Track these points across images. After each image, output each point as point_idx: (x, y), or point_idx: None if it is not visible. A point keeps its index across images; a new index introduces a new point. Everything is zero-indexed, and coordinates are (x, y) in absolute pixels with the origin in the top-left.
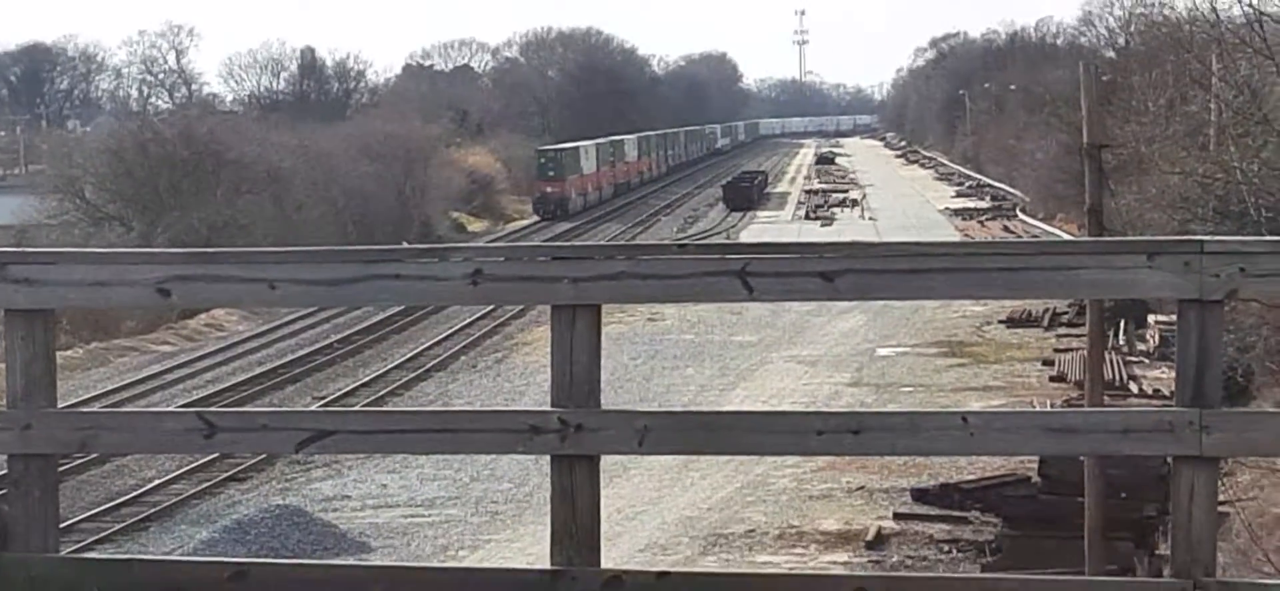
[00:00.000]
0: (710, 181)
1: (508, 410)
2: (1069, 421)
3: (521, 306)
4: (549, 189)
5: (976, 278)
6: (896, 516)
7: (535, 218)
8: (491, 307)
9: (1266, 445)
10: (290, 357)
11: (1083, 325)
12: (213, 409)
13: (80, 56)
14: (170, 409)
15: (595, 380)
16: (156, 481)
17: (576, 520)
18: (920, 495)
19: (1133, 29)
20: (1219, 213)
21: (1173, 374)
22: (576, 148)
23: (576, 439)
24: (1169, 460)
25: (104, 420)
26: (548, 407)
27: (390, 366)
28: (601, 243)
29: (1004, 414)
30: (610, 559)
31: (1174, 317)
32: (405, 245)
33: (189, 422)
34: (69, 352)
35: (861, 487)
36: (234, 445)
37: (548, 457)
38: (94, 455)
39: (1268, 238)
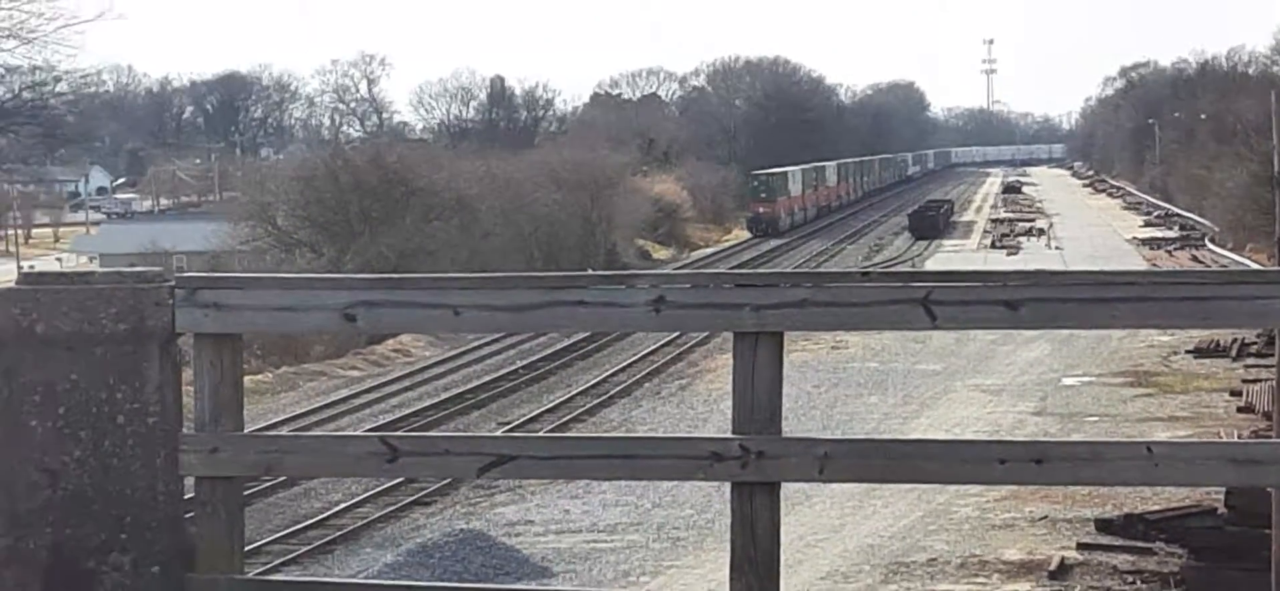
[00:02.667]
0: (900, 207)
1: (689, 437)
2: (1255, 453)
3: (705, 333)
4: (761, 209)
5: (1162, 306)
6: (1080, 546)
7: (733, 239)
8: (676, 334)
9: None
10: (475, 383)
11: (1271, 355)
12: (396, 433)
13: (274, 86)
14: (354, 433)
15: (777, 407)
16: (342, 504)
17: (756, 547)
18: (1105, 525)
19: None
20: None
21: None
22: (785, 172)
23: (757, 465)
24: None
25: (289, 444)
26: (729, 434)
27: (574, 392)
28: (784, 270)
29: (1189, 444)
30: (791, 586)
31: None
32: (589, 272)
33: (372, 447)
34: (259, 377)
35: (1045, 517)
36: (416, 469)
37: (728, 484)
38: (282, 478)
39: None
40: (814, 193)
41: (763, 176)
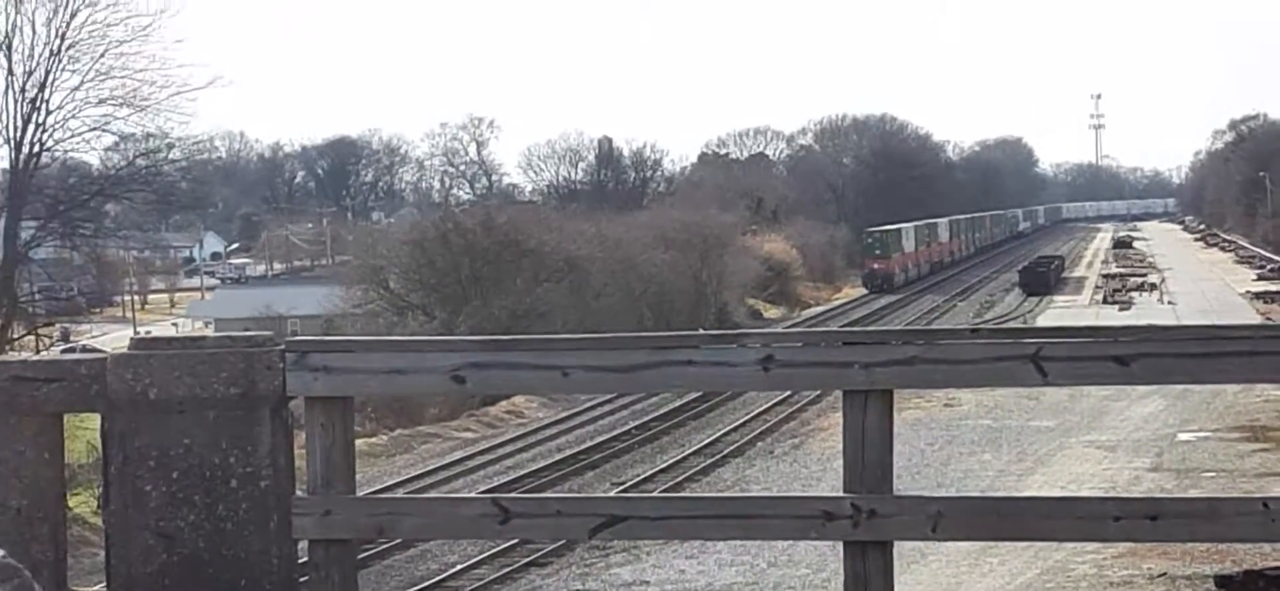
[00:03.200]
0: (1011, 263)
1: (800, 496)
2: None
3: (816, 391)
4: (876, 266)
5: (1273, 360)
6: None
7: (844, 297)
8: (789, 393)
9: None
10: (589, 443)
11: None
12: (508, 495)
13: (384, 149)
14: (466, 494)
15: (887, 465)
16: (459, 566)
17: None
18: (1224, 583)
19: None
20: None
21: None
22: (898, 229)
23: (869, 524)
24: None
25: (402, 506)
26: (841, 493)
27: (687, 452)
28: (893, 328)
29: None
30: None
31: None
32: (700, 332)
33: (484, 508)
34: (373, 440)
35: (1163, 574)
36: (528, 531)
37: (841, 544)
38: (397, 541)
39: None
40: (927, 249)
41: (877, 233)
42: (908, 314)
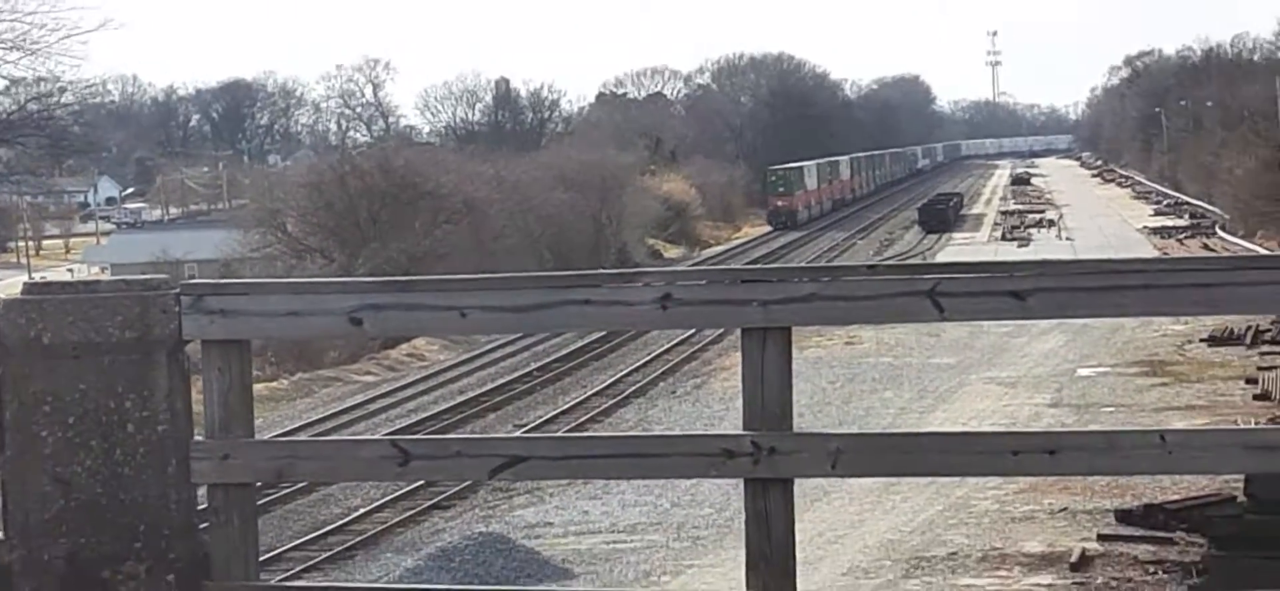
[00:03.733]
0: (911, 201)
1: (699, 434)
2: (1270, 438)
3: (716, 330)
4: (780, 203)
5: (1170, 294)
6: (1100, 538)
7: (743, 236)
8: (692, 331)
9: None
10: (491, 386)
11: None
12: (407, 437)
13: (279, 92)
14: (366, 437)
15: (787, 403)
16: (362, 510)
17: (771, 544)
18: (1124, 516)
19: None
20: None
21: None
22: (801, 167)
23: (769, 462)
24: None
25: (300, 449)
26: (741, 431)
27: (590, 393)
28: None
29: (1203, 432)
30: (811, 583)
31: None
32: (601, 271)
33: (383, 450)
34: (274, 384)
35: (1064, 509)
36: (428, 472)
37: (742, 481)
38: (300, 484)
39: None
40: (829, 186)
41: (780, 172)
42: (808, 251)
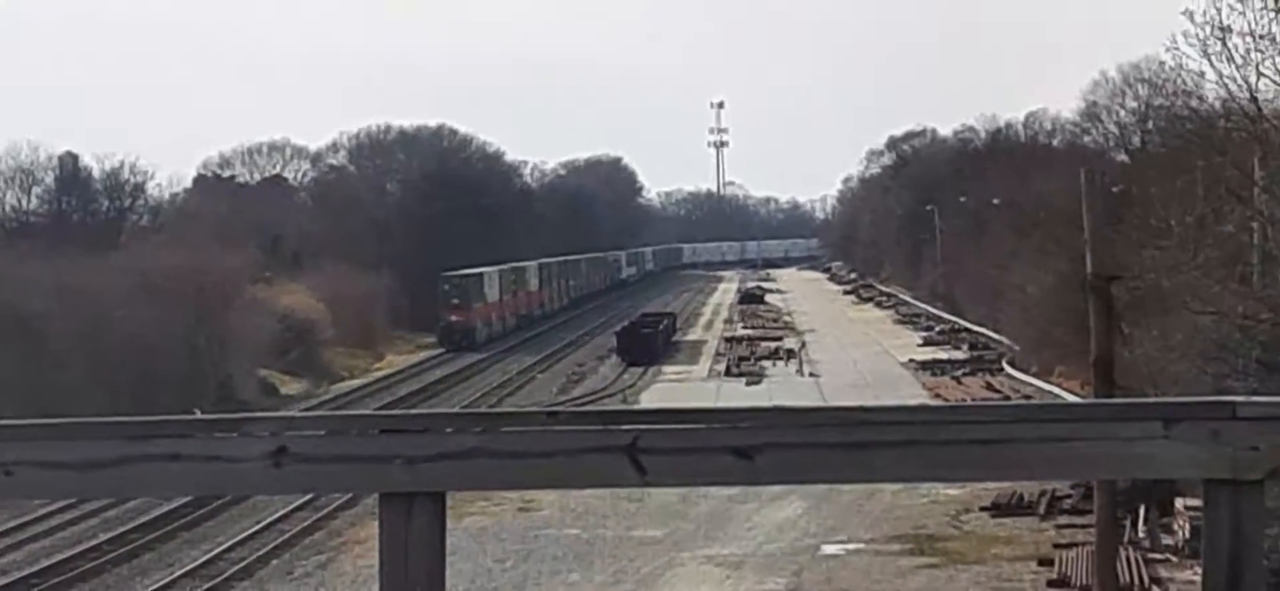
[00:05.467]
0: (614, 320)
1: None
2: None
3: (347, 494)
4: (455, 318)
5: (942, 453)
6: None
7: (386, 368)
8: (312, 496)
9: None
10: (45, 563)
11: (1090, 512)
12: None
13: None
14: None
15: (440, 590)
16: None
17: None
18: None
19: (1150, 125)
20: (1264, 364)
21: None
22: (480, 274)
23: None
24: None
25: None
26: None
27: (177, 573)
28: (445, 410)
29: None
30: None
31: None
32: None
33: None
34: None
35: None
36: None
37: None
38: None
39: None
40: (513, 299)
41: (456, 279)
42: (475, 387)
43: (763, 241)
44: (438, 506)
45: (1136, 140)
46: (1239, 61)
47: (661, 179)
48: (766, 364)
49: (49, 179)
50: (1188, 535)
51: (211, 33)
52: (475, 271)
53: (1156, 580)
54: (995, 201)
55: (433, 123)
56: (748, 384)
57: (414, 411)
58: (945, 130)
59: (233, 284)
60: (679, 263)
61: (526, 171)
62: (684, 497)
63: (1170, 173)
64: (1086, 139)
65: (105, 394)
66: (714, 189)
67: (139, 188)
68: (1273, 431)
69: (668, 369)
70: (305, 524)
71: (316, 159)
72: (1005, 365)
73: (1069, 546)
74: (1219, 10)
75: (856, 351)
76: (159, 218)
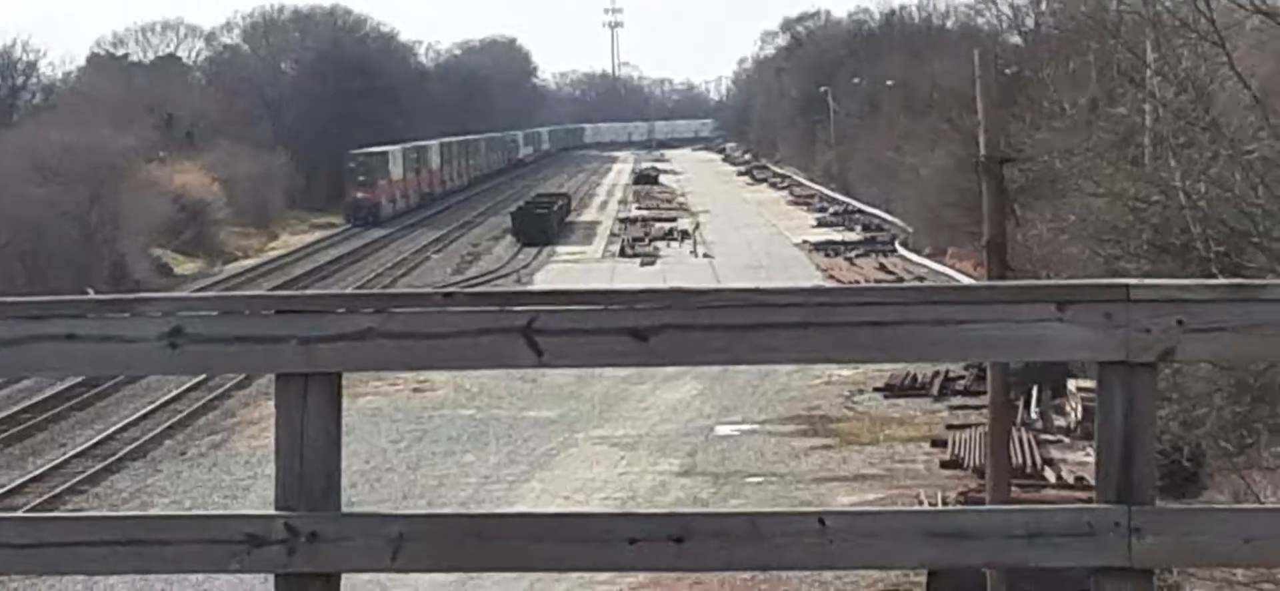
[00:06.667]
0: (510, 199)
1: (217, 515)
2: (960, 524)
3: (240, 375)
4: (361, 195)
5: (834, 335)
6: None
7: (282, 248)
8: (206, 376)
9: (1214, 550)
10: None
11: (983, 393)
12: None
13: None
14: None
15: (335, 472)
16: None
17: None
18: None
19: (1044, 7)
20: (1156, 246)
21: None
22: (385, 152)
23: (309, 552)
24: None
25: None
26: (272, 511)
27: (70, 454)
28: (340, 291)
29: (874, 514)
30: None
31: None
32: (90, 295)
33: None
34: None
35: None
36: None
37: (273, 576)
38: None
39: (1214, 281)
40: (416, 177)
41: (361, 157)
42: (368, 267)
43: (657, 123)
44: (333, 387)
45: (1031, 22)
46: None
47: (556, 60)
48: (661, 245)
49: None
50: (1080, 416)
51: None
52: (380, 150)
53: (1048, 461)
54: (889, 83)
55: (327, 2)
56: (642, 265)
57: (309, 292)
58: (840, 12)
59: (126, 163)
60: (577, 143)
61: (421, 52)
62: (578, 378)
63: (1064, 55)
64: (980, 20)
65: None
66: (609, 70)
67: (31, 66)
68: (1165, 313)
69: (562, 249)
70: (198, 404)
71: (211, 38)
72: (898, 247)
73: (962, 427)
74: None
75: (751, 232)
76: (52, 97)
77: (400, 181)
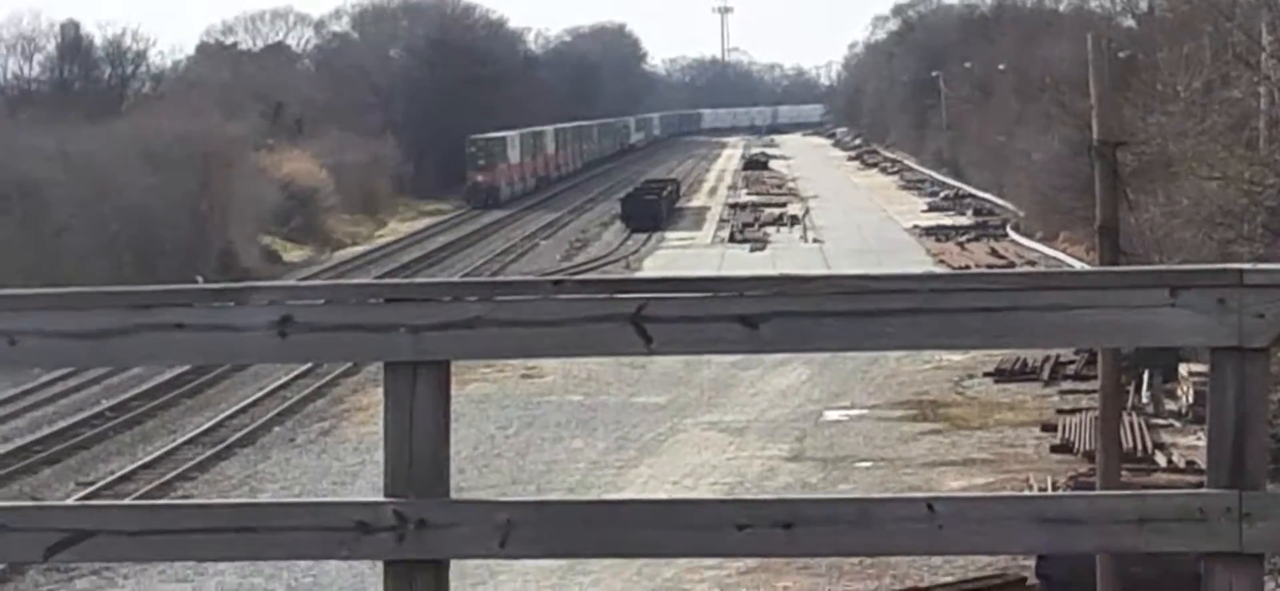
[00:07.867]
0: (622, 184)
1: (328, 502)
2: (1070, 509)
3: (348, 363)
4: (481, 178)
5: (945, 320)
6: None
7: (390, 235)
8: (314, 364)
9: None
10: (48, 431)
11: (1094, 378)
12: None
13: None
14: None
15: (443, 459)
16: None
17: None
18: None
19: None
20: (1271, 230)
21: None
22: (504, 137)
23: (417, 539)
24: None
25: None
26: (381, 497)
27: (180, 441)
28: (450, 278)
29: (984, 499)
30: None
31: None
32: (198, 284)
33: None
34: None
35: None
36: None
37: (382, 563)
38: None
39: None
40: (532, 162)
41: (480, 141)
42: (480, 251)
43: (767, 108)
44: (442, 374)
45: (1144, 5)
46: None
47: (665, 46)
48: (770, 230)
49: (50, 46)
50: (1192, 401)
51: None
52: (499, 135)
53: (1160, 446)
54: (1001, 67)
55: None
56: (752, 250)
57: (417, 281)
58: None
59: (235, 151)
60: (690, 129)
61: (530, 38)
62: (687, 364)
63: (1178, 38)
64: (1093, 4)
65: (108, 262)
66: (718, 56)
67: (141, 55)
68: (1279, 298)
69: (671, 235)
70: (307, 391)
71: (320, 26)
72: (1010, 231)
73: (1073, 412)
74: None
75: (861, 217)
76: (161, 86)
77: (517, 165)
